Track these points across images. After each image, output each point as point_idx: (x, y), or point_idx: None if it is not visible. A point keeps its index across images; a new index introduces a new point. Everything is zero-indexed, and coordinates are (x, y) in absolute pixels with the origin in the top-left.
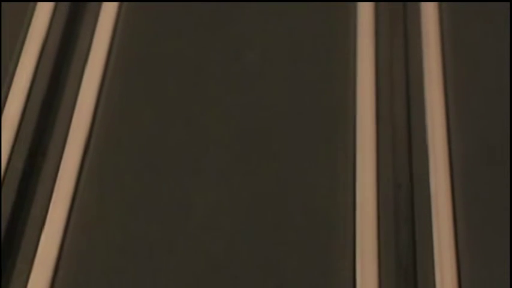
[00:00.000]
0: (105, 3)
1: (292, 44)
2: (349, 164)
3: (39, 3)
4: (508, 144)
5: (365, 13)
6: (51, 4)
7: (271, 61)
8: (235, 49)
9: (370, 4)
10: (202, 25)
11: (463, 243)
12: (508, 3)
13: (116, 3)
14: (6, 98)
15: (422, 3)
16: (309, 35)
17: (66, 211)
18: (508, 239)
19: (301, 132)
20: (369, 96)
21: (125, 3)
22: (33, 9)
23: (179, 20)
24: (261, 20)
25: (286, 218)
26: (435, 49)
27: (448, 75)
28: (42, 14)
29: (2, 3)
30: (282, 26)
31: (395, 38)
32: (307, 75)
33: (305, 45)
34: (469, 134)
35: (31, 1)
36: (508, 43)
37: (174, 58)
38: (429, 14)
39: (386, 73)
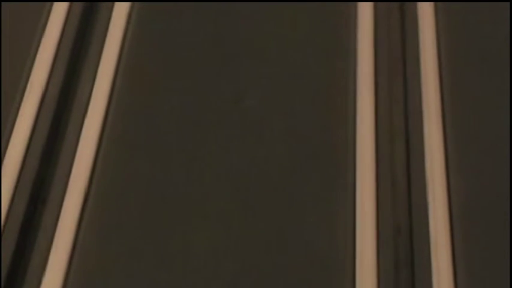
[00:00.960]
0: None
1: (291, 90)
2: (349, 210)
3: (39, 56)
4: (508, 188)
5: (365, 68)
6: (50, 59)
7: (270, 107)
8: (234, 95)
9: (371, 59)
10: (201, 71)
11: None
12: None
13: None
14: (7, 144)
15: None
16: (307, 82)
17: (66, 259)
18: (508, 284)
19: (301, 177)
20: (369, 140)
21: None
22: (33, 61)
23: (178, 68)
24: (261, 66)
25: (285, 265)
26: (434, 96)
27: (447, 118)
28: (42, 65)
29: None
30: (280, 73)
31: (393, 81)
32: (306, 121)
33: (303, 92)
34: (468, 178)
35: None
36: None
37: (174, 106)
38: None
39: (385, 117)
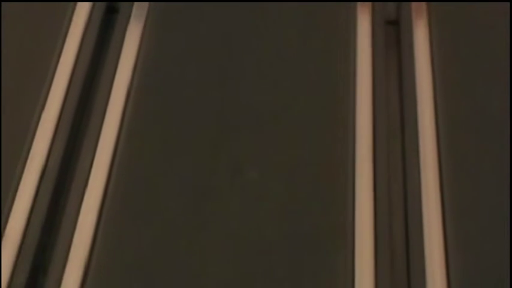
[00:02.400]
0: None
1: (291, 163)
2: (348, 286)
3: (40, 128)
4: (508, 267)
5: (363, 131)
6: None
7: (270, 179)
8: (235, 167)
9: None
10: (201, 142)
11: None
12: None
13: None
14: (8, 215)
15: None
16: (307, 155)
17: None
18: None
19: (300, 253)
20: (367, 218)
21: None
22: (34, 133)
23: (178, 139)
24: (260, 138)
25: None
26: (433, 172)
27: (446, 194)
28: (42, 137)
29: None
30: (280, 145)
31: (391, 154)
32: (306, 194)
33: (303, 164)
34: (467, 258)
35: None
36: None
37: (174, 177)
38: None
39: (384, 194)
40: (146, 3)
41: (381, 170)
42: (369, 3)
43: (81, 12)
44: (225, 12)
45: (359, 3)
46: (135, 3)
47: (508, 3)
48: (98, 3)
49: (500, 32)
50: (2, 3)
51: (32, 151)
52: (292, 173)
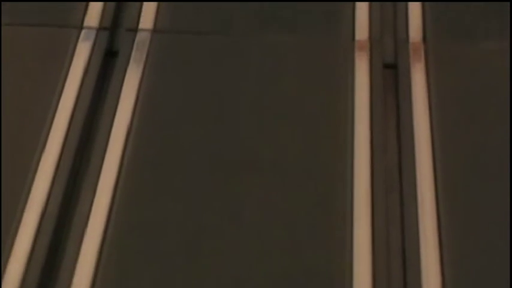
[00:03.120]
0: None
1: (289, 205)
2: None
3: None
4: None
5: (361, 176)
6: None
7: (269, 221)
8: (234, 209)
9: (367, 162)
10: (201, 185)
11: None
12: None
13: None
14: (8, 257)
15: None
16: (305, 198)
17: None
18: None
19: None
20: (366, 263)
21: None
22: (33, 176)
23: (176, 183)
24: (259, 180)
25: None
26: (431, 217)
27: (444, 241)
28: (42, 180)
29: None
30: (279, 187)
31: (389, 198)
32: (304, 239)
33: (301, 207)
34: None
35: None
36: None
37: (172, 221)
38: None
39: (382, 239)
40: (146, 47)
41: (379, 215)
42: (367, 46)
43: (81, 55)
44: (224, 54)
45: (357, 46)
46: (135, 46)
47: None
48: (98, 46)
49: (500, 74)
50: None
51: (31, 193)
52: (290, 216)
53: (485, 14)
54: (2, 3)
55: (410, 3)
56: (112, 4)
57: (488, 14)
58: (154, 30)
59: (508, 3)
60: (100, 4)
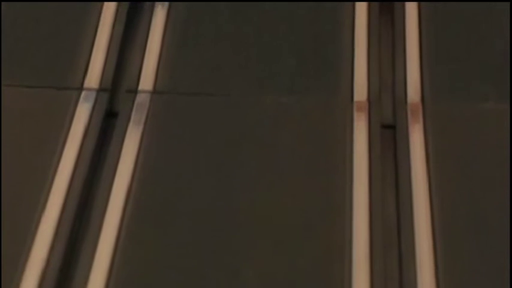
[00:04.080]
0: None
1: (288, 264)
2: None
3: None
4: None
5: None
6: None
7: (267, 280)
8: (232, 268)
9: (366, 223)
10: (199, 246)
11: None
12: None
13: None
14: None
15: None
16: (303, 256)
17: None
18: None
19: None
20: None
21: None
22: (34, 237)
23: (177, 242)
24: (257, 241)
25: None
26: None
27: None
28: (42, 238)
29: None
30: (277, 245)
31: (387, 259)
32: None
33: (299, 270)
34: None
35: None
36: None
37: (173, 280)
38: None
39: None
40: (146, 108)
41: (378, 273)
42: (366, 107)
43: (81, 117)
44: (223, 115)
45: (355, 107)
46: (134, 107)
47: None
48: (98, 107)
49: (499, 135)
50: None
51: (30, 256)
52: (288, 276)
53: (484, 74)
54: (2, 65)
55: (409, 64)
56: (112, 65)
57: (488, 74)
58: (154, 92)
59: (508, 65)
60: (100, 65)
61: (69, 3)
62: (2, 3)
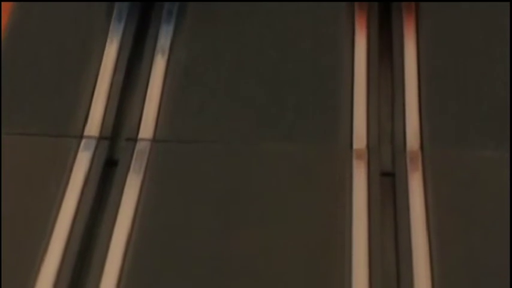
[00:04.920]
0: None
1: None
2: None
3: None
4: None
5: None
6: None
7: None
8: None
9: (365, 272)
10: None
11: None
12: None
13: None
14: None
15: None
16: None
17: None
18: None
19: None
20: None
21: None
22: (36, 276)
23: (176, 284)
24: (259, 284)
25: None
26: None
27: None
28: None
29: None
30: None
31: None
32: None
33: None
34: None
35: None
36: None
37: None
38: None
39: None
40: (145, 156)
41: None
42: (365, 155)
43: (81, 165)
44: (223, 162)
45: (355, 154)
46: (134, 156)
47: None
48: (98, 155)
49: (498, 182)
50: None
51: None
52: None
53: (484, 122)
54: (2, 112)
55: (408, 112)
56: (112, 113)
57: (486, 122)
58: (154, 140)
59: (507, 113)
60: (100, 113)
61: (69, 51)
62: (3, 51)
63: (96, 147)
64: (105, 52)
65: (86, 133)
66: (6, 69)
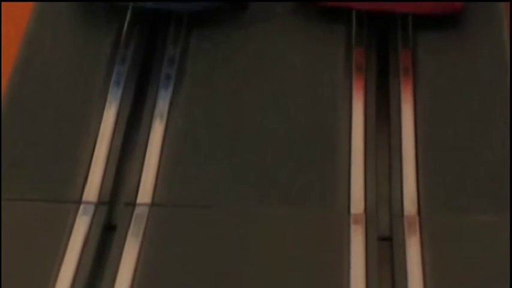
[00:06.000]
0: None
1: None
2: None
3: None
4: None
5: None
6: None
7: None
8: None
9: None
10: None
11: None
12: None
13: None
14: None
15: None
16: None
17: None
18: None
19: None
20: None
21: None
22: None
23: None
24: None
25: None
26: None
27: None
28: None
29: None
30: None
31: None
32: None
33: None
34: None
35: None
36: None
37: None
38: None
39: None
40: (144, 220)
41: None
42: (363, 220)
43: (80, 230)
44: (222, 227)
45: (352, 219)
46: (133, 220)
47: None
48: (96, 220)
49: (497, 247)
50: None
51: None
52: None
53: (482, 186)
54: (2, 179)
55: (405, 176)
56: (110, 178)
57: (486, 186)
58: (153, 204)
59: (506, 177)
60: (99, 178)
61: (68, 115)
62: (2, 116)
63: (94, 213)
64: (104, 116)
65: (84, 198)
66: (5, 133)
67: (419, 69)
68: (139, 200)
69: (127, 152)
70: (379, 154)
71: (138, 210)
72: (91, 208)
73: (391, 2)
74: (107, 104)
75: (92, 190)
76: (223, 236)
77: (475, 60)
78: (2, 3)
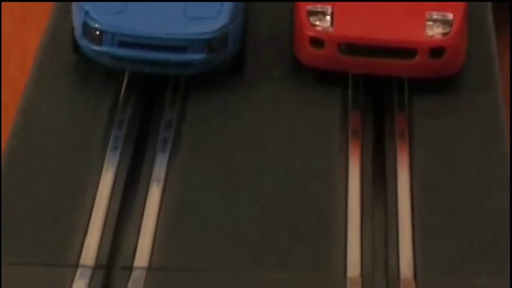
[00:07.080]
0: None
1: None
2: None
3: None
4: None
5: None
6: None
7: None
8: None
9: None
10: None
11: None
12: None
13: None
14: None
15: None
16: None
17: None
18: None
19: None
20: None
21: None
22: None
23: None
24: None
25: None
26: None
27: None
28: None
29: None
30: None
31: None
32: None
33: None
34: None
35: None
36: None
37: None
38: None
39: None
40: (141, 285)
41: None
42: (359, 283)
43: None
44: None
45: (349, 283)
46: (130, 284)
47: None
48: (93, 284)
49: None
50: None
51: None
52: None
53: (479, 250)
54: (3, 243)
55: (401, 240)
56: (108, 242)
57: (483, 250)
58: (150, 268)
59: (504, 240)
60: (96, 242)
61: (66, 179)
62: (2, 182)
63: (91, 276)
64: (101, 181)
65: (81, 262)
66: (4, 198)
67: (415, 133)
68: (136, 263)
69: (124, 216)
70: (376, 217)
71: (135, 274)
72: (88, 272)
73: (387, 66)
74: (104, 168)
75: (89, 254)
76: None
77: (471, 124)
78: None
